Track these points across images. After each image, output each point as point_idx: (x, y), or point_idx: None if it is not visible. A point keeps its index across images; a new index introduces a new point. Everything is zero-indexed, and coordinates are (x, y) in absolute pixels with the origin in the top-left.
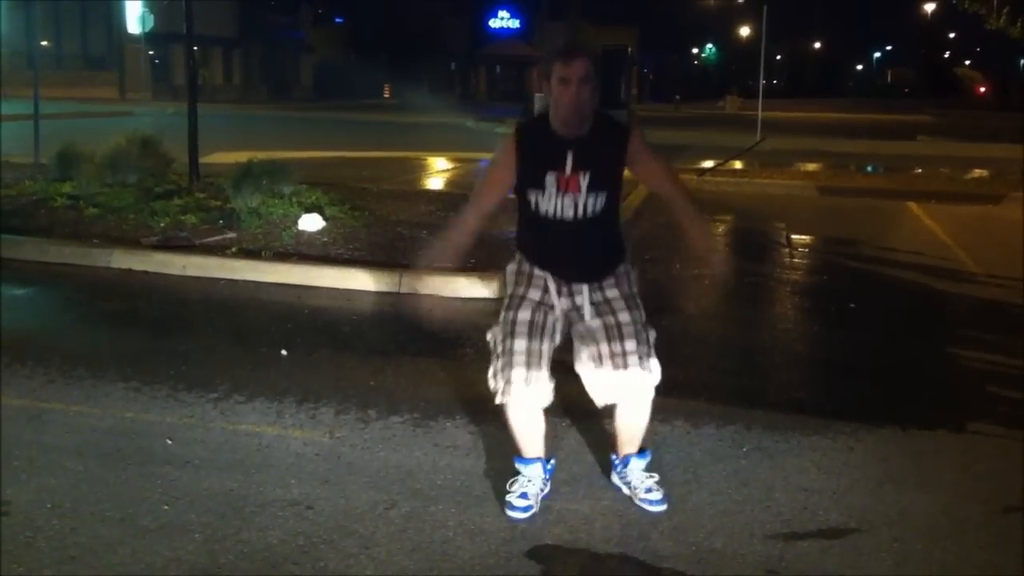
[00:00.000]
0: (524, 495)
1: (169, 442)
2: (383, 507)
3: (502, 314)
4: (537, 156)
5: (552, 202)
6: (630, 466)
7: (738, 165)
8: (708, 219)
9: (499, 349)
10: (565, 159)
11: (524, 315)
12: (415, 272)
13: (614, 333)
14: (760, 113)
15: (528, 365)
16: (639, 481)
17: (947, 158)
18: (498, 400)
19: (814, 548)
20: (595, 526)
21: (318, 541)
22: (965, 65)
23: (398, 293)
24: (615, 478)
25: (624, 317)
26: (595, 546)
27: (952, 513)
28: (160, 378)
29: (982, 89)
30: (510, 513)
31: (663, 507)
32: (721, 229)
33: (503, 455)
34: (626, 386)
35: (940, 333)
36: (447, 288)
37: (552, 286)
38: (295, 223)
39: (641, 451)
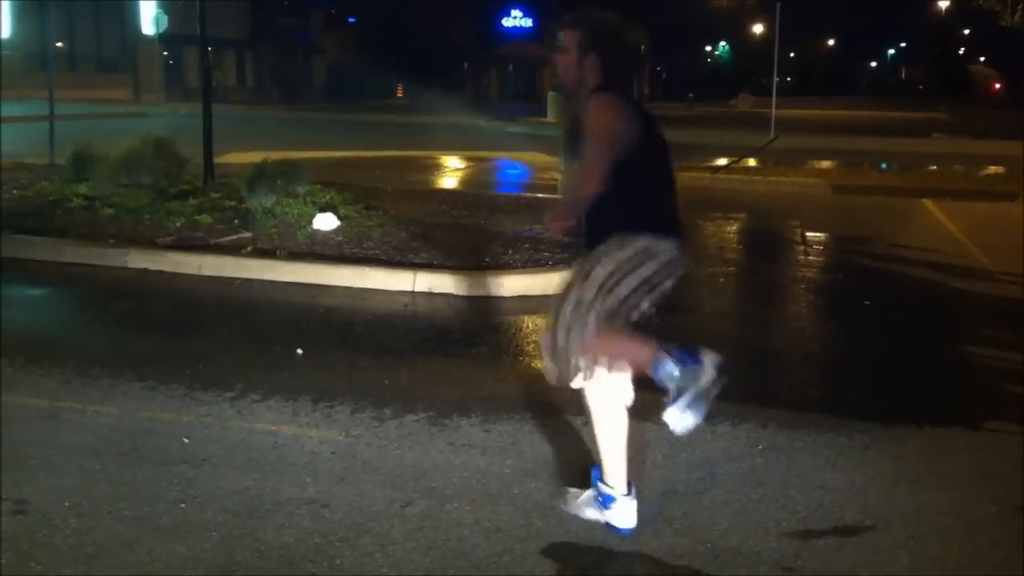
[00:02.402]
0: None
1: (186, 441)
2: (399, 505)
3: None
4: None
5: None
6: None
7: (751, 163)
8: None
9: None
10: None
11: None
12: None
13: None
14: (773, 111)
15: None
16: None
17: (961, 155)
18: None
19: (830, 546)
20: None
21: (334, 539)
22: (979, 62)
23: (412, 292)
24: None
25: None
26: (610, 543)
27: (967, 511)
28: (176, 377)
29: (996, 86)
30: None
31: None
32: (736, 227)
33: (517, 454)
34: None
35: (955, 331)
36: (461, 287)
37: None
38: (309, 223)
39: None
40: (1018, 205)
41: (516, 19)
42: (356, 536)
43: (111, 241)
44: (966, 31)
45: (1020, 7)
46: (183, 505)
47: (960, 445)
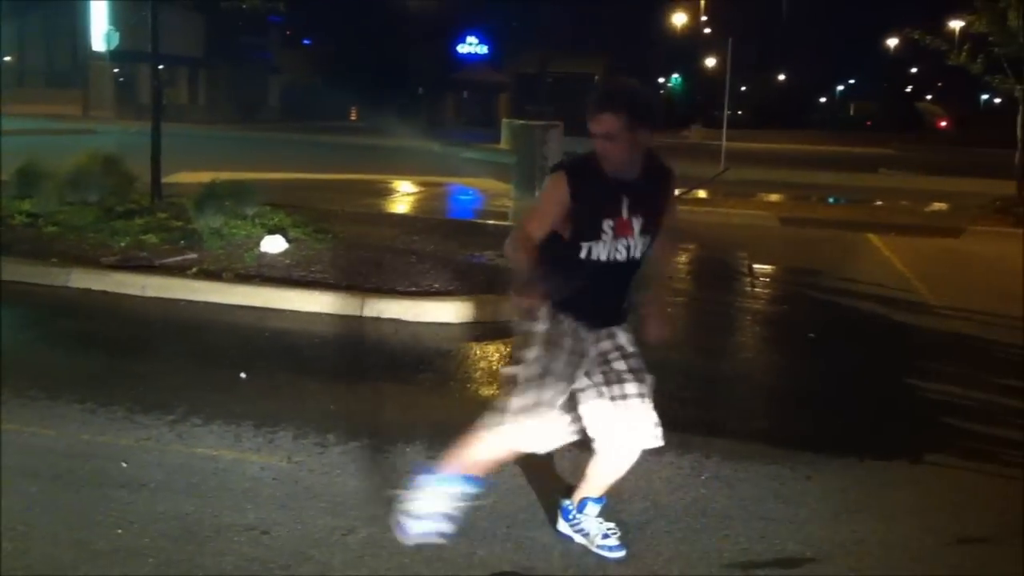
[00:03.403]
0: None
1: (124, 465)
2: (340, 533)
3: (536, 358)
4: (594, 204)
5: (608, 248)
6: (586, 511)
7: (701, 194)
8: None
9: (523, 391)
10: (621, 204)
11: (557, 366)
12: (521, 300)
13: (625, 376)
14: (724, 143)
15: (547, 418)
16: (595, 528)
17: (908, 191)
18: (506, 438)
19: None
20: (553, 553)
21: (274, 567)
22: (926, 99)
23: (360, 317)
24: (564, 527)
25: (634, 363)
26: (553, 573)
27: (908, 543)
28: (117, 400)
29: (943, 123)
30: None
31: (622, 553)
32: (684, 258)
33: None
34: (627, 428)
35: (898, 364)
36: (409, 313)
37: (587, 335)
38: (258, 244)
39: (598, 497)
40: (962, 241)
41: (472, 45)
42: (296, 564)
43: (54, 260)
44: (914, 69)
45: (966, 47)
46: (120, 530)
47: (901, 477)
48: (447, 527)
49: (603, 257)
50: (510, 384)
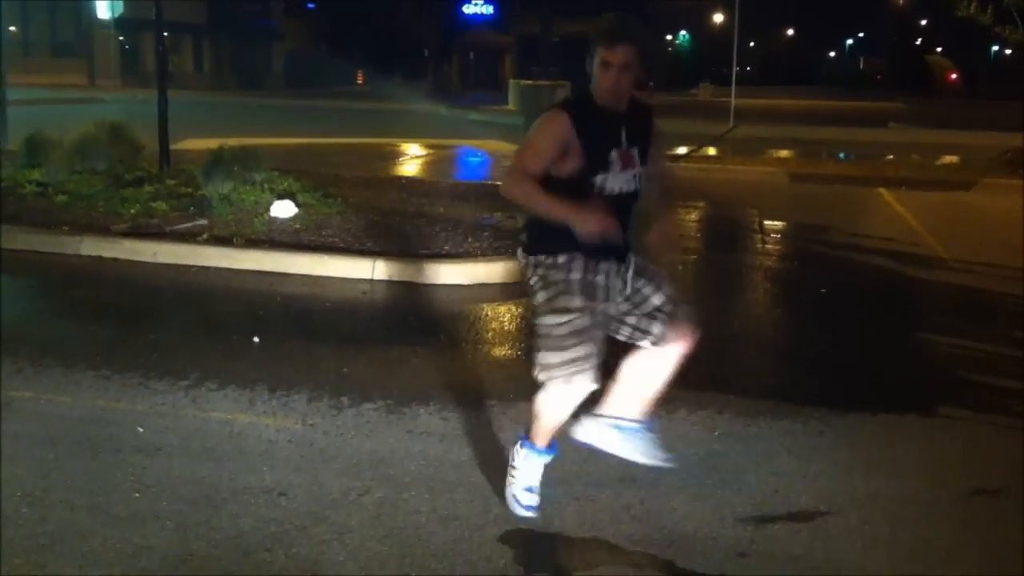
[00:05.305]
0: (530, 489)
1: (140, 430)
2: (356, 494)
3: (569, 312)
4: (598, 135)
5: (618, 180)
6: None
7: (711, 152)
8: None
9: (563, 344)
10: (621, 135)
11: (597, 328)
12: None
13: (660, 285)
14: (733, 100)
15: (592, 370)
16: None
17: (918, 145)
18: (554, 391)
19: (784, 531)
20: (567, 511)
21: (290, 528)
22: (936, 53)
23: (371, 280)
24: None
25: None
26: (567, 530)
27: (920, 497)
28: (131, 366)
29: (953, 76)
30: (521, 512)
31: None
32: (694, 215)
33: (475, 441)
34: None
35: (910, 319)
36: (420, 275)
37: (613, 277)
38: (267, 210)
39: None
40: (973, 194)
41: (477, 6)
42: (313, 524)
43: (65, 228)
44: (923, 22)
45: None
46: (137, 495)
47: (914, 432)
48: (537, 500)
49: (616, 189)
50: (547, 338)
